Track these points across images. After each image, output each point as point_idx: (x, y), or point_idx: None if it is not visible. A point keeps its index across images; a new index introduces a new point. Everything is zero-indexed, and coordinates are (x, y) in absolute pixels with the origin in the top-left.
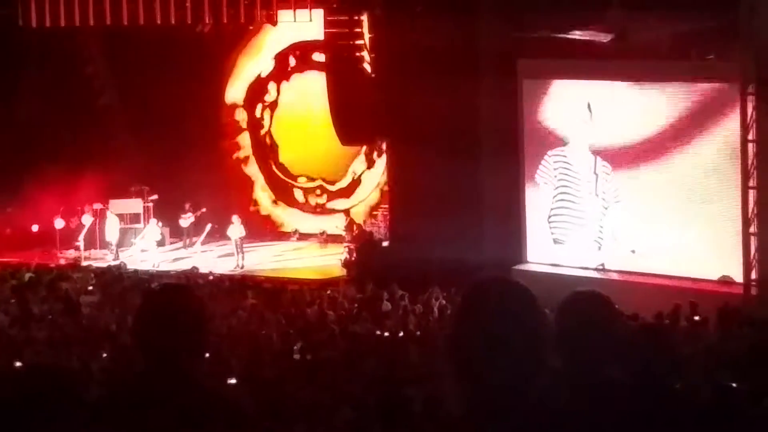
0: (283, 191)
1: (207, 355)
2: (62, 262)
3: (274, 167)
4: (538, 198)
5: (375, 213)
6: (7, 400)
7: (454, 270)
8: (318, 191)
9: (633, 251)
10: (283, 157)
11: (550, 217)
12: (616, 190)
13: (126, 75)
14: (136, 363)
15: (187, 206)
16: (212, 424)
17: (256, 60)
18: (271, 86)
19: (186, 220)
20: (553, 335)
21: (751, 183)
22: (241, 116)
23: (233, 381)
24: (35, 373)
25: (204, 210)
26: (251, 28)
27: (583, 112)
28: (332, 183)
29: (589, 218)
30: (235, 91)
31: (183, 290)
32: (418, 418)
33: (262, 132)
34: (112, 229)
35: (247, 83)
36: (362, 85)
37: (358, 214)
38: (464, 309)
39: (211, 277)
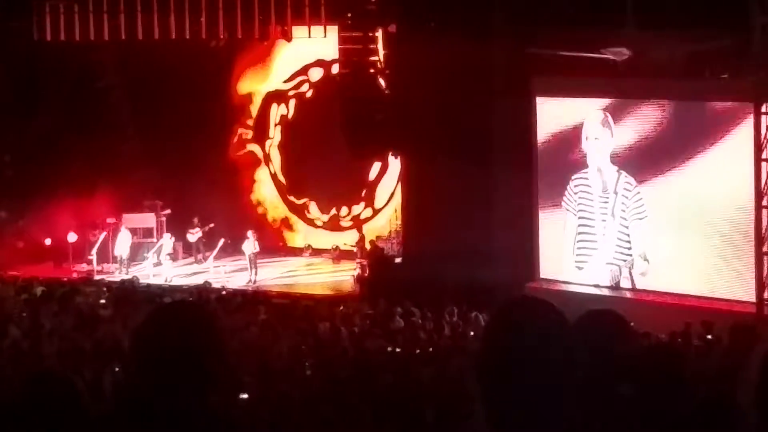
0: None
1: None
2: (74, 276)
3: (281, 184)
4: (556, 218)
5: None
6: (13, 405)
7: (467, 287)
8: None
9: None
10: (292, 174)
11: (575, 244)
12: (640, 207)
13: (140, 89)
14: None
15: (195, 221)
16: None
17: (269, 76)
18: (283, 102)
19: (194, 235)
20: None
21: (765, 202)
22: (253, 132)
23: (245, 396)
24: (42, 379)
25: (212, 225)
26: (265, 43)
27: (599, 129)
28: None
29: (603, 240)
30: (249, 106)
31: (192, 309)
32: None
33: (272, 148)
34: (122, 243)
35: (260, 99)
36: (376, 101)
37: (371, 231)
38: (492, 330)
39: (223, 292)
